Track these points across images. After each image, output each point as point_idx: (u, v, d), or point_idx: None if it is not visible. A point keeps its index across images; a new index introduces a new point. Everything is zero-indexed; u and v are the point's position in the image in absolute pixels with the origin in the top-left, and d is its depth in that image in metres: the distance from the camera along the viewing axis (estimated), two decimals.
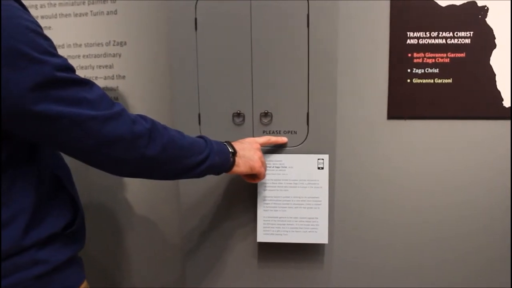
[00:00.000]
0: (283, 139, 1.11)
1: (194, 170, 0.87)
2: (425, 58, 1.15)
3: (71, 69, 0.70)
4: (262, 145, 1.07)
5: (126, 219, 1.38)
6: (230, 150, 0.96)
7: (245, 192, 1.16)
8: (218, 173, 0.95)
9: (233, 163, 0.96)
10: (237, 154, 0.97)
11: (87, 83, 0.71)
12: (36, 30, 0.65)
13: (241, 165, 0.98)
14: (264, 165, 1.04)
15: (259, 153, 1.03)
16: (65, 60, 0.69)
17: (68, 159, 0.90)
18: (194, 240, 1.21)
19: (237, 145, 0.99)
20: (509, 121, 1.14)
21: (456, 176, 1.19)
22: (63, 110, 0.66)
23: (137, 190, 1.35)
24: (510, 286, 1.21)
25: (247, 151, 1.00)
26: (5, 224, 0.70)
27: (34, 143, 0.76)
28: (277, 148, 1.12)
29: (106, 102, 0.72)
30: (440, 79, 1.16)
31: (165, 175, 0.85)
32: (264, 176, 1.06)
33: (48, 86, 0.64)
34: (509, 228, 1.18)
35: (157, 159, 0.78)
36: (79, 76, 0.70)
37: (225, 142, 0.97)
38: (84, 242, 0.88)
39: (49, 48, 0.66)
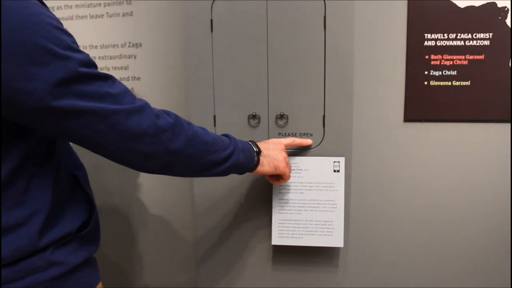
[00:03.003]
0: (308, 141, 1.10)
1: (218, 167, 0.86)
2: (442, 60, 1.14)
3: (93, 65, 0.70)
4: (287, 146, 1.06)
5: (140, 219, 1.38)
6: (255, 149, 0.95)
7: (260, 194, 1.15)
8: (242, 172, 0.93)
9: (257, 162, 0.95)
10: (262, 153, 0.96)
11: (109, 78, 0.71)
12: (58, 26, 0.65)
13: (266, 165, 0.97)
14: (288, 165, 1.03)
15: (284, 154, 1.01)
16: (88, 55, 0.69)
17: (82, 159, 0.90)
18: (208, 241, 1.21)
19: (262, 144, 0.99)
20: None
21: (474, 180, 1.17)
22: (87, 105, 0.66)
23: (151, 190, 1.35)
24: None
25: (272, 151, 0.99)
26: (22, 223, 0.71)
27: (52, 141, 0.76)
28: (293, 150, 1.12)
29: (129, 97, 0.72)
30: (458, 81, 1.14)
31: (189, 171, 0.84)
32: (288, 177, 1.04)
33: (72, 81, 0.65)
34: None
35: (181, 153, 0.77)
36: (101, 72, 0.70)
37: (250, 141, 0.97)
38: (99, 244, 0.87)
39: (71, 44, 0.67)
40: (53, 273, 0.74)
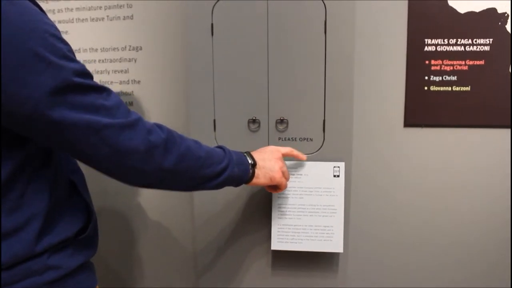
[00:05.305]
0: (303, 157, 1.08)
1: (212, 181, 0.85)
2: (443, 66, 1.14)
3: (88, 75, 0.69)
4: (285, 155, 1.04)
5: (139, 224, 1.37)
6: (250, 162, 0.93)
7: (260, 199, 1.15)
8: (237, 185, 0.92)
9: (252, 175, 0.94)
10: (257, 165, 0.95)
11: (104, 90, 0.71)
12: (55, 34, 0.65)
13: (261, 177, 0.96)
14: (286, 174, 1.02)
15: (281, 163, 1.00)
16: (83, 65, 0.69)
17: (82, 164, 0.90)
18: (208, 245, 1.21)
19: (257, 155, 0.97)
20: None
21: (474, 185, 1.17)
22: (80, 116, 0.66)
23: (150, 195, 1.34)
24: None
25: (268, 162, 0.97)
26: (19, 229, 0.70)
27: (48, 148, 0.76)
28: None
29: (123, 110, 0.72)
30: (458, 87, 1.14)
31: (183, 186, 0.84)
32: (285, 186, 1.03)
33: (66, 91, 0.64)
34: None
35: (174, 169, 0.77)
36: (96, 82, 0.70)
37: (245, 152, 0.95)
38: (97, 248, 0.87)
39: (67, 52, 0.66)
40: (50, 276, 0.74)
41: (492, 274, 1.19)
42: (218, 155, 0.87)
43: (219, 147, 0.91)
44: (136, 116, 0.73)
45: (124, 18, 1.27)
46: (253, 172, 0.94)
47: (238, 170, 0.89)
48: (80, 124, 0.66)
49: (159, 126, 0.77)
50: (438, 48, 1.13)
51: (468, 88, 1.14)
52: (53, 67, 0.63)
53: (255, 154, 0.97)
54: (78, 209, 0.82)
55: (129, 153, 0.71)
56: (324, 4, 1.05)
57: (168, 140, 0.76)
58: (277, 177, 0.98)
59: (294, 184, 1.11)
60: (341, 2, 1.05)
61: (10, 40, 0.59)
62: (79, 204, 0.83)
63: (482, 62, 1.12)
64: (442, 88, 1.14)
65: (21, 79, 0.61)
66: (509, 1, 1.08)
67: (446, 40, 1.13)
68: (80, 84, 0.66)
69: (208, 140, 1.14)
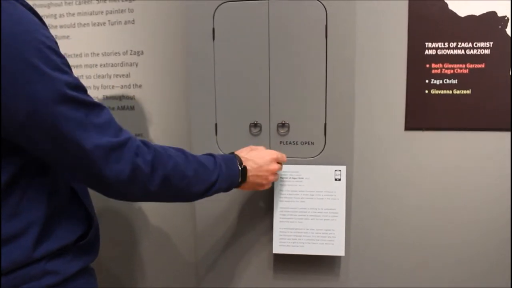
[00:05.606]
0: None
1: (198, 197, 0.87)
2: (443, 69, 1.14)
3: (82, 89, 0.69)
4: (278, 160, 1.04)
5: (140, 228, 1.38)
6: (239, 180, 0.94)
7: (261, 203, 1.15)
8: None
9: (238, 187, 0.96)
10: (246, 180, 0.96)
11: (96, 106, 0.71)
12: (51, 47, 0.65)
13: (246, 187, 0.99)
14: (275, 176, 1.03)
15: (271, 177, 1.01)
16: (77, 79, 0.69)
17: None
18: (209, 249, 1.21)
19: (252, 167, 0.97)
20: None
21: (475, 188, 1.17)
22: (72, 130, 0.66)
23: None
24: None
25: (258, 178, 0.98)
26: (16, 236, 0.70)
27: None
28: (294, 159, 1.12)
29: (113, 129, 0.72)
30: (459, 90, 1.14)
31: (169, 201, 0.85)
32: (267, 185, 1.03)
33: (58, 103, 0.64)
34: None
35: (158, 191, 0.78)
36: (89, 97, 0.70)
37: (240, 166, 0.94)
38: (97, 254, 0.87)
39: (61, 65, 0.66)
40: (48, 281, 0.74)
41: (492, 274, 1.19)
42: (207, 171, 0.86)
43: (212, 156, 0.91)
44: (127, 136, 0.73)
45: (126, 23, 1.28)
46: (239, 186, 0.96)
47: (226, 185, 0.91)
48: (70, 139, 0.66)
49: (146, 145, 0.77)
50: (439, 52, 1.13)
51: (468, 92, 1.14)
52: (47, 78, 0.63)
53: (250, 165, 0.96)
54: (78, 216, 0.82)
55: (114, 179, 0.71)
56: (325, 8, 1.05)
57: (154, 161, 0.76)
58: (260, 189, 1.02)
59: (295, 188, 1.11)
60: (342, 7, 1.05)
61: (4, 50, 0.60)
62: (80, 212, 0.82)
63: (482, 66, 1.13)
64: (442, 92, 1.15)
65: (14, 89, 0.61)
66: (509, 5, 1.09)
67: (446, 44, 1.13)
68: (72, 97, 0.66)
69: (210, 144, 1.14)
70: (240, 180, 0.94)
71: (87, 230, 0.83)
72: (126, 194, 0.76)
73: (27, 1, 0.70)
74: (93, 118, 0.69)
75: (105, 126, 0.70)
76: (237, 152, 1.00)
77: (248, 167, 0.96)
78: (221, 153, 1.13)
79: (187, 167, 0.82)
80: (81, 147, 0.67)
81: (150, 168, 0.75)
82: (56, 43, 0.69)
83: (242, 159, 0.96)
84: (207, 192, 0.87)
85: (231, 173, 0.92)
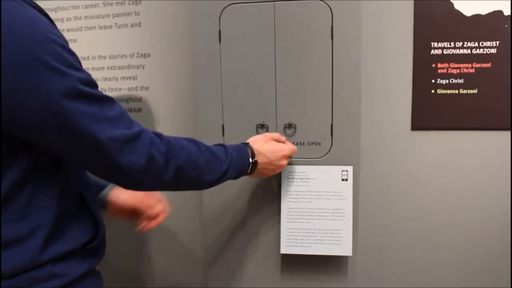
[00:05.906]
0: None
1: (209, 186, 0.90)
2: (449, 69, 1.14)
3: (94, 85, 0.71)
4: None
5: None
6: (248, 171, 0.97)
7: (269, 203, 1.16)
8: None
9: (246, 174, 0.99)
10: (256, 170, 0.99)
11: (108, 100, 0.72)
12: (62, 45, 0.67)
13: (252, 176, 1.01)
14: (281, 169, 1.07)
15: (277, 170, 1.05)
16: (89, 75, 0.70)
17: None
18: (216, 250, 1.21)
19: (263, 161, 0.99)
20: None
21: (482, 187, 1.17)
22: (85, 125, 0.67)
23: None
24: None
25: (266, 170, 1.02)
26: (24, 238, 0.70)
27: (57, 156, 0.77)
28: (301, 160, 1.12)
29: (126, 121, 0.73)
30: (465, 89, 1.14)
31: (182, 189, 0.88)
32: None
33: (72, 99, 0.65)
34: None
35: (172, 181, 0.80)
36: (101, 92, 0.71)
37: (252, 160, 0.97)
38: (103, 256, 0.87)
39: (74, 62, 0.68)
40: (54, 284, 0.74)
41: (492, 274, 1.19)
42: (218, 161, 0.89)
43: (223, 146, 0.94)
44: (139, 128, 0.75)
45: (132, 26, 1.29)
46: (248, 174, 0.99)
47: (236, 173, 0.94)
48: (84, 133, 0.67)
49: (159, 137, 0.78)
50: (445, 51, 1.13)
51: (475, 91, 1.14)
52: (60, 75, 0.64)
53: (261, 159, 0.99)
54: (86, 223, 0.82)
55: (129, 168, 0.72)
56: (331, 9, 1.06)
57: (168, 152, 0.77)
58: (266, 177, 1.07)
59: (302, 188, 1.11)
60: (348, 7, 1.06)
61: (18, 49, 0.61)
62: (88, 218, 0.83)
63: (489, 65, 1.12)
64: (449, 91, 1.15)
65: (28, 87, 0.62)
66: None
67: (452, 43, 1.13)
68: (85, 92, 0.67)
69: None
70: (249, 171, 0.97)
71: (94, 236, 0.83)
72: (142, 183, 0.77)
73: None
74: (106, 112, 0.70)
75: (117, 119, 0.71)
76: (252, 142, 1.01)
77: (259, 161, 0.98)
78: None
79: (199, 157, 0.84)
80: (96, 140, 0.68)
81: (164, 160, 0.76)
82: (67, 41, 0.70)
83: (255, 151, 0.98)
84: (219, 180, 0.90)
85: (241, 164, 0.95)
